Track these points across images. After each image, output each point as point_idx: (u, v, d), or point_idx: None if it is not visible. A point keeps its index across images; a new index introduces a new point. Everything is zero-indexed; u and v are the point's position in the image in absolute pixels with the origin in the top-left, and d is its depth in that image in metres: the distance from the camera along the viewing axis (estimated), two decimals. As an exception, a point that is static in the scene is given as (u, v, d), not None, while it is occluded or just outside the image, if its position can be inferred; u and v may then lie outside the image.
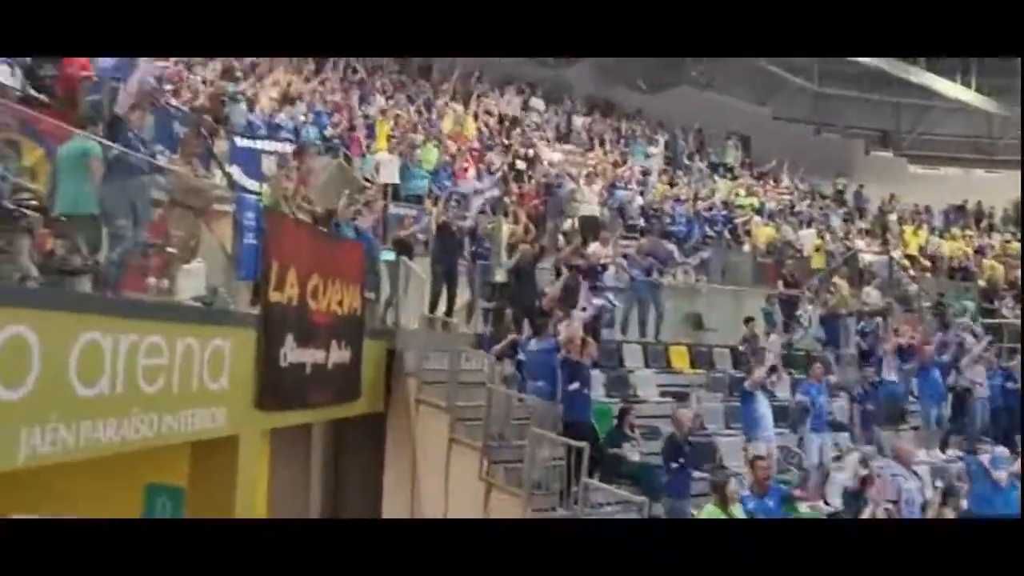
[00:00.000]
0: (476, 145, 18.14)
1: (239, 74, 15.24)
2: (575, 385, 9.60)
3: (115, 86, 8.96)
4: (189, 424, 6.83)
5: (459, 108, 19.90)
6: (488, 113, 20.51)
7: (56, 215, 6.61)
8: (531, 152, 18.47)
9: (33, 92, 8.01)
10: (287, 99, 15.44)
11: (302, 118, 14.96)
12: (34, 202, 6.41)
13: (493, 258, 12.99)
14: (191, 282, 7.68)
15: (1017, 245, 19.34)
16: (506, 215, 14.00)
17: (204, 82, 14.42)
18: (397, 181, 14.54)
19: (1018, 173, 17.07)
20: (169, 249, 7.43)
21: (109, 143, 7.16)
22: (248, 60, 16.00)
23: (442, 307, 12.09)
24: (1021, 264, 12.79)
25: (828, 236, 19.82)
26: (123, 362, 6.02)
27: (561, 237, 15.14)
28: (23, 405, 5.20)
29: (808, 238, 19.30)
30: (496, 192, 15.57)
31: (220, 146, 12.37)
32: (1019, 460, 10.00)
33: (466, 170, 16.56)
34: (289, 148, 12.45)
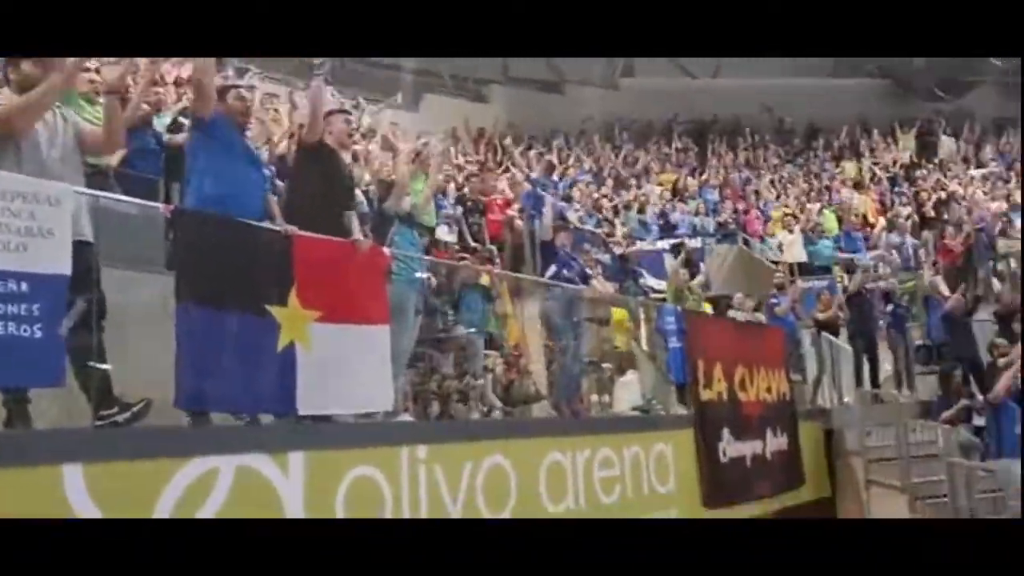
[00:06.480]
0: (876, 198, 17.29)
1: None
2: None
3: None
4: (648, 530, 7.07)
5: (849, 165, 19.30)
6: (876, 164, 19.49)
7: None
8: (943, 194, 16.99)
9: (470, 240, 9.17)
10: (677, 195, 15.90)
11: (695, 213, 15.24)
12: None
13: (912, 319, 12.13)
14: (627, 394, 8.05)
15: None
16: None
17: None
18: (804, 258, 14.21)
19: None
20: (605, 365, 7.89)
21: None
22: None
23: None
24: (1021, 253, 12.43)
25: None
26: (582, 477, 6.44)
27: (996, 282, 13.59)
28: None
29: None
30: (908, 243, 14.57)
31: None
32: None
33: (872, 227, 15.79)
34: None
